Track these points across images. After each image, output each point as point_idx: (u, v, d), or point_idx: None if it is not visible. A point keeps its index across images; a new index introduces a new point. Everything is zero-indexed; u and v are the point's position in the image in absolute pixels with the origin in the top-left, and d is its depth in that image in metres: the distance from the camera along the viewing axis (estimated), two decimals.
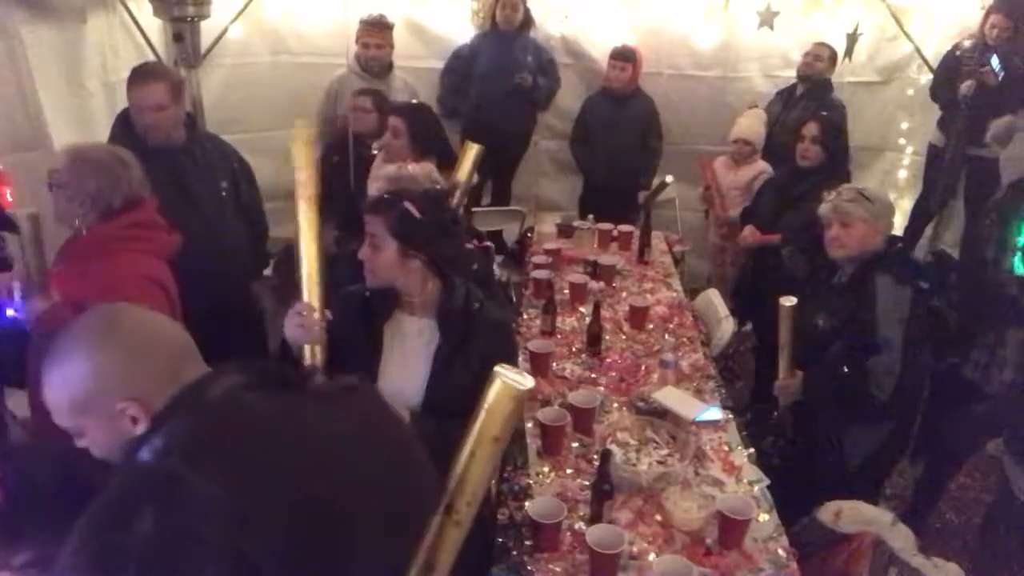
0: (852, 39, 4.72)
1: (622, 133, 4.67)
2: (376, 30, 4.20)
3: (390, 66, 4.25)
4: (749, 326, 3.86)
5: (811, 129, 3.46)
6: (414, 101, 3.45)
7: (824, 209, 2.58)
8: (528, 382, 1.06)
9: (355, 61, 4.24)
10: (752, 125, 4.08)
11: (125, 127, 2.93)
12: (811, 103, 4.34)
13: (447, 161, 3.16)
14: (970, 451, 3.14)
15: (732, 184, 4.09)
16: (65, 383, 1.18)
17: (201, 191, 2.96)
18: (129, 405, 1.17)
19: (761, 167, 4.00)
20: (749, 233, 3.71)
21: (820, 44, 4.51)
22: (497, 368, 1.08)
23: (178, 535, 0.66)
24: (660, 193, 4.25)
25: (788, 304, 2.52)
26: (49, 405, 1.20)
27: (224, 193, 3.04)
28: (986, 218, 3.11)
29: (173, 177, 2.88)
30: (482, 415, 1.09)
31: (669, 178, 4.20)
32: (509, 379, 1.06)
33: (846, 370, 2.45)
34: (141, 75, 2.88)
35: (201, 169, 2.99)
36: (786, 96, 4.57)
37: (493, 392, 1.07)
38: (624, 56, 4.56)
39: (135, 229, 2.21)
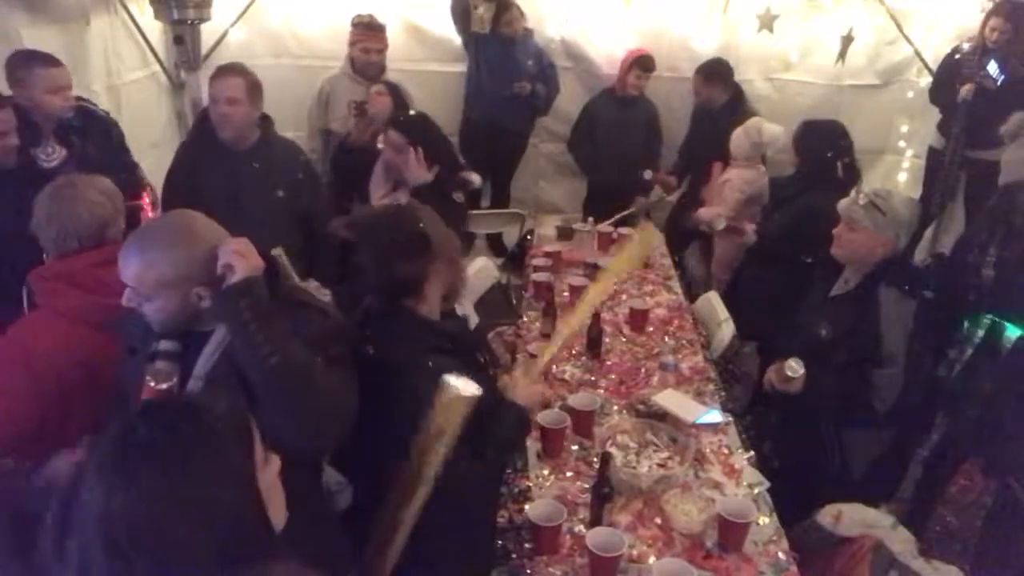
0: (846, 41, 4.73)
1: (627, 136, 4.68)
2: (374, 32, 4.18)
3: (383, 69, 4.25)
4: None
5: (795, 132, 3.47)
6: (412, 112, 3.43)
7: (840, 205, 2.55)
8: (474, 389, 1.55)
9: (348, 64, 4.23)
10: (736, 134, 4.02)
11: (202, 125, 3.03)
12: (732, 115, 4.32)
13: (453, 168, 3.16)
14: (966, 455, 3.14)
15: (713, 186, 4.09)
16: (158, 264, 1.53)
17: (251, 197, 2.96)
18: (203, 289, 1.54)
19: (730, 175, 3.95)
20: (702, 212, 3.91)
21: (695, 74, 4.53)
22: (446, 378, 1.54)
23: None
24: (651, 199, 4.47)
25: (792, 375, 2.45)
26: (132, 275, 1.54)
27: (279, 201, 3.04)
28: (978, 224, 3.11)
29: (229, 181, 2.94)
30: (438, 417, 1.54)
31: (648, 173, 4.46)
32: (460, 388, 1.50)
33: (850, 379, 2.43)
34: (222, 69, 3.09)
35: (259, 175, 3.01)
36: (704, 110, 4.59)
37: (447, 399, 1.53)
38: (646, 66, 4.62)
39: (46, 282, 1.99)
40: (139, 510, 0.99)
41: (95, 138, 2.95)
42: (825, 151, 3.36)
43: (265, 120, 3.12)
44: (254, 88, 3.00)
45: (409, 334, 1.77)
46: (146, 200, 2.92)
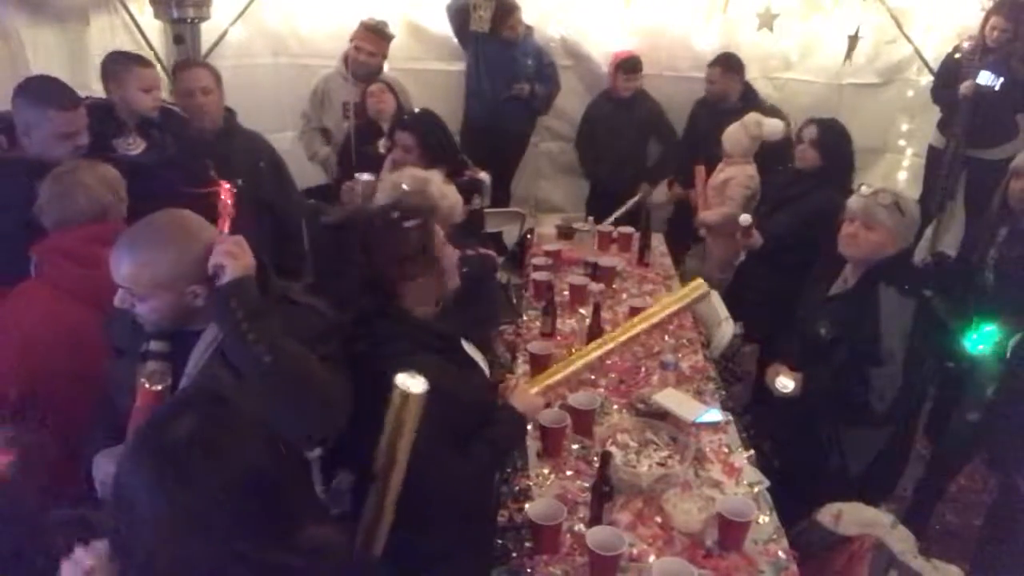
0: (853, 41, 4.72)
1: (626, 136, 4.69)
2: (372, 36, 4.16)
3: (378, 72, 4.23)
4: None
5: (810, 132, 3.42)
6: (417, 111, 3.44)
7: (854, 204, 2.51)
8: (422, 386, 1.55)
9: (342, 62, 4.23)
10: (732, 130, 4.02)
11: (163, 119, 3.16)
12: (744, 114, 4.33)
13: (457, 168, 3.17)
14: (969, 456, 3.15)
15: (710, 185, 4.08)
16: (152, 264, 1.52)
17: None
18: (198, 287, 1.54)
19: (731, 173, 3.94)
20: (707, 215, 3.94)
21: (710, 68, 4.50)
22: (396, 378, 1.55)
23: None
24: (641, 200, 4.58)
25: (784, 390, 2.51)
26: (126, 275, 1.52)
27: (238, 190, 3.07)
28: (980, 226, 3.12)
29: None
30: (392, 416, 1.55)
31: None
32: (407, 386, 1.53)
33: (848, 378, 2.43)
34: (185, 63, 3.31)
35: (218, 164, 3.04)
36: (709, 107, 4.55)
37: (397, 399, 1.54)
38: (633, 68, 4.61)
39: (44, 254, 2.04)
40: (198, 502, 1.05)
41: (172, 131, 3.04)
42: (848, 150, 3.43)
43: (228, 112, 3.26)
44: (219, 79, 3.21)
45: (398, 332, 1.78)
46: (225, 186, 2.97)
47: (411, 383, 1.53)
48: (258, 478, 1.09)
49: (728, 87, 4.49)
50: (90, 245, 1.99)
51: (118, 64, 2.95)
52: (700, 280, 2.09)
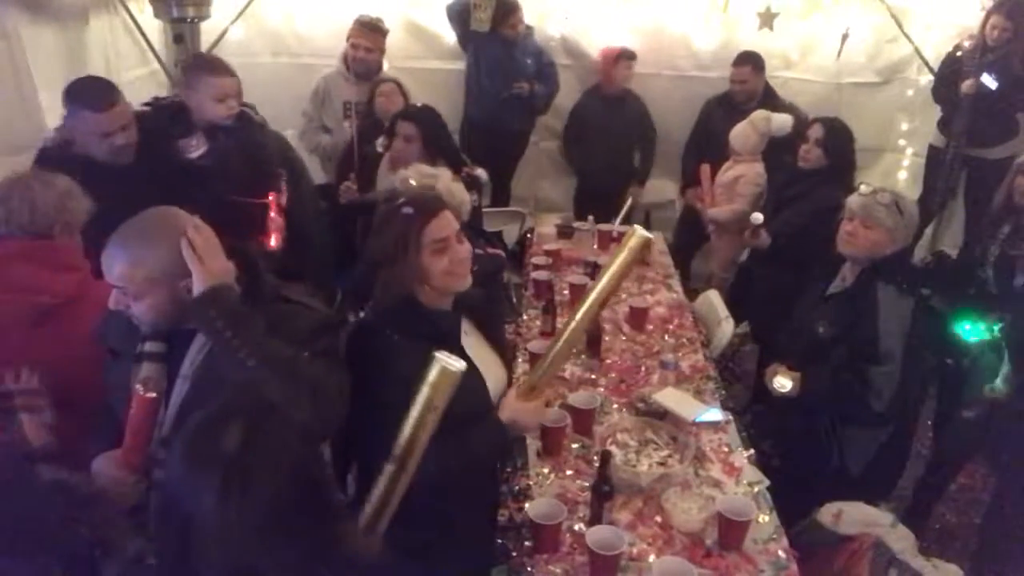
0: (843, 39, 4.72)
1: (616, 134, 4.70)
2: (367, 32, 4.15)
3: (378, 69, 4.22)
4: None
5: (816, 131, 3.41)
6: (419, 104, 3.45)
7: (853, 202, 2.51)
8: (460, 365, 1.49)
9: (342, 62, 4.23)
10: (740, 128, 4.02)
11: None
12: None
13: (456, 164, 3.18)
14: (969, 454, 3.15)
15: (718, 183, 4.09)
16: (146, 261, 1.52)
17: None
18: (190, 282, 1.52)
19: (741, 171, 3.96)
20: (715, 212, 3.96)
21: (738, 67, 4.47)
22: (435, 353, 1.49)
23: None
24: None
25: (781, 390, 2.53)
26: (119, 275, 1.52)
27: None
28: (983, 224, 3.12)
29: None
30: (426, 390, 1.49)
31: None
32: (446, 363, 1.48)
33: (847, 377, 2.43)
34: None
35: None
36: (727, 106, 4.51)
37: (434, 373, 1.49)
38: (630, 55, 4.66)
39: None
40: (260, 508, 1.08)
41: (240, 138, 2.99)
42: (851, 148, 3.43)
43: (244, 109, 3.17)
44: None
45: (394, 309, 1.81)
46: (272, 198, 2.94)
47: (450, 361, 1.50)
48: (306, 478, 1.12)
49: (758, 86, 4.48)
50: (16, 263, 1.93)
51: (190, 71, 2.95)
52: (635, 227, 1.88)
